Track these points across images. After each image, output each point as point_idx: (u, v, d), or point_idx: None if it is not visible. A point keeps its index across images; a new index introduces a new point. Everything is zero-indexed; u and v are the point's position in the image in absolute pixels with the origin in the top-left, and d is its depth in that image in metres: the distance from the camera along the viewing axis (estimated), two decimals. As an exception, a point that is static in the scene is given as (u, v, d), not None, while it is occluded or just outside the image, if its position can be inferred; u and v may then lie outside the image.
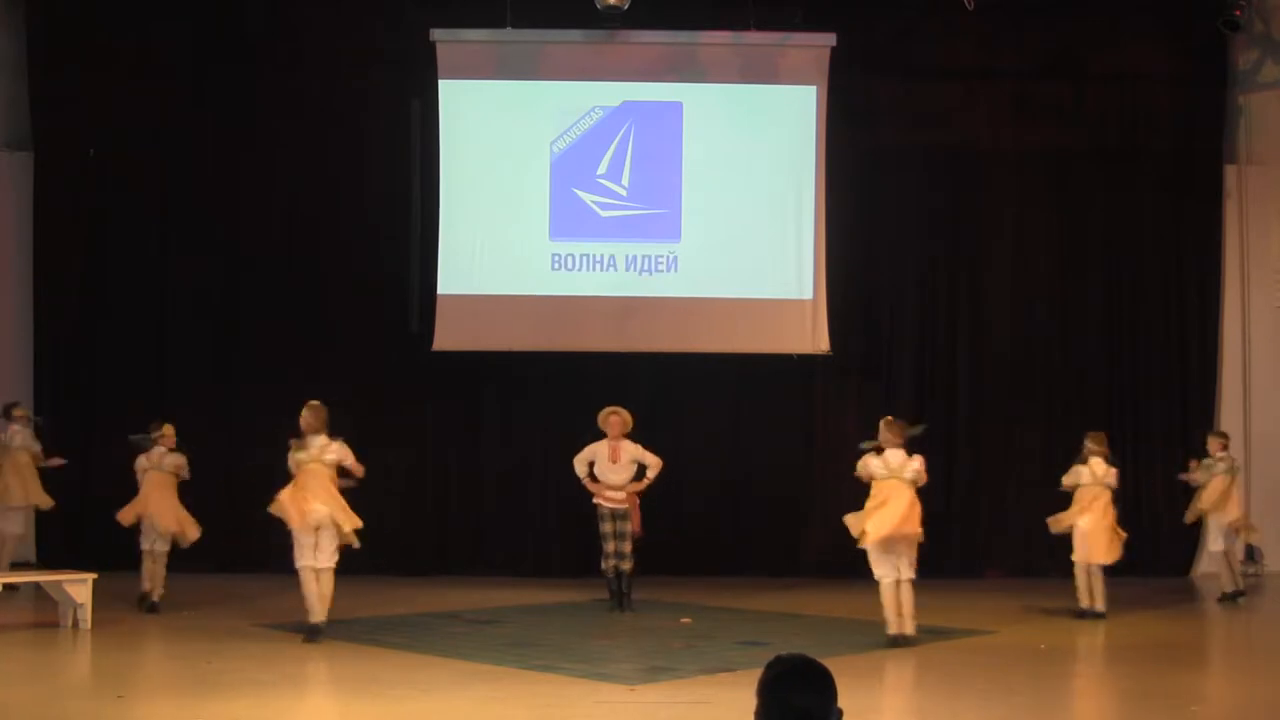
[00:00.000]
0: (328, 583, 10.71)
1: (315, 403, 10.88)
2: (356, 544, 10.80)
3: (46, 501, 13.00)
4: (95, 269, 14.76)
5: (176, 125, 14.72)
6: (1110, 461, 12.15)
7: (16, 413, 12.90)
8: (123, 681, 9.38)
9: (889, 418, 10.88)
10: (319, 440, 10.75)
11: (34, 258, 14.79)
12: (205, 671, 9.33)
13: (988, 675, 9.45)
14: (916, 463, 10.66)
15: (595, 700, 8.55)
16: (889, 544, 10.51)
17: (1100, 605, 11.87)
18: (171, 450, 12.02)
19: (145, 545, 11.86)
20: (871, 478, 10.61)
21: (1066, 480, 12.17)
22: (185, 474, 12.09)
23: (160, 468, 11.92)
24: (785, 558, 14.53)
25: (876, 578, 10.64)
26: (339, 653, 10.21)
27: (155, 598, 11.78)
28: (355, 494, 11.03)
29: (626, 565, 12.26)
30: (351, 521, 10.74)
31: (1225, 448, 13.20)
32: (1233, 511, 13.19)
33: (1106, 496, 12.07)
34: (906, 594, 10.59)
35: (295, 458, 10.74)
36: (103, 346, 14.70)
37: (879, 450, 10.69)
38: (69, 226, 14.78)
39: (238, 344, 14.75)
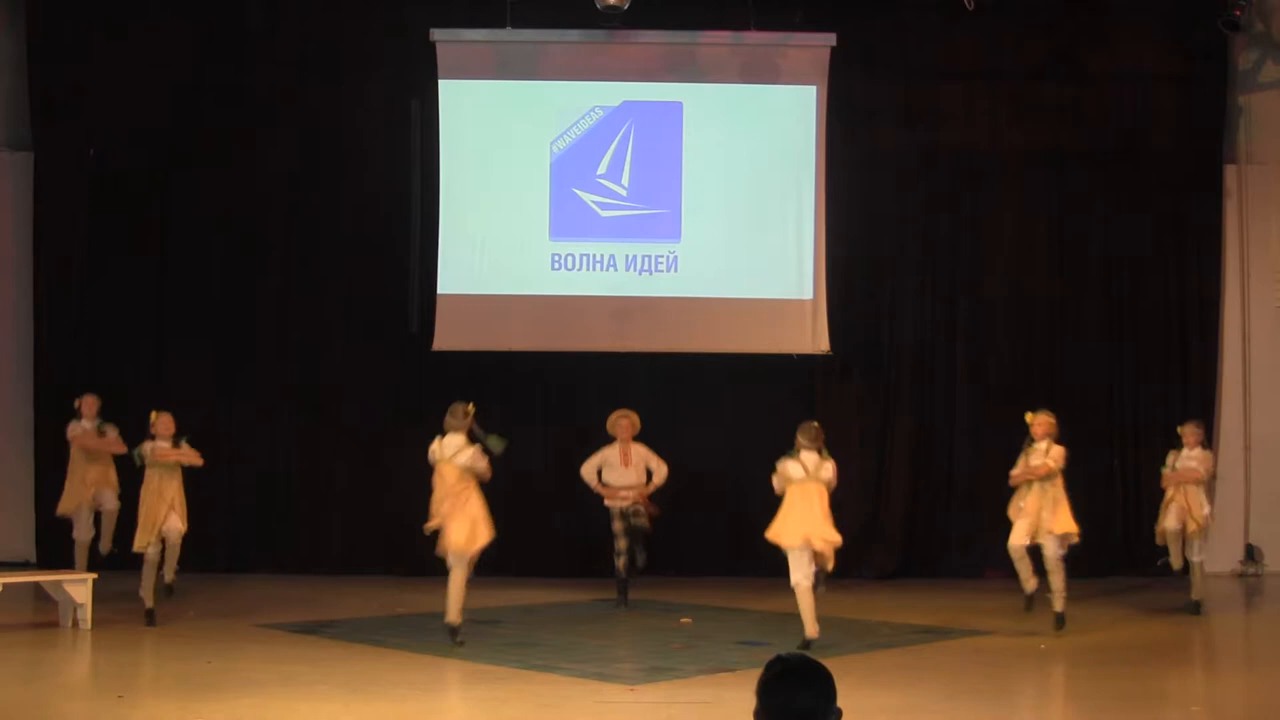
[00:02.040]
0: (454, 583, 10.59)
1: (458, 405, 10.82)
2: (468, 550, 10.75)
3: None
4: (95, 269, 14.76)
5: (176, 125, 14.72)
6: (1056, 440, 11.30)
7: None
8: (123, 681, 9.38)
9: (805, 423, 10.59)
10: (456, 441, 10.69)
11: (34, 258, 14.79)
12: (205, 671, 9.33)
13: (987, 675, 9.45)
14: (830, 466, 10.38)
15: (595, 700, 8.56)
16: (810, 547, 10.28)
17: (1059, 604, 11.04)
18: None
19: None
20: (789, 480, 10.36)
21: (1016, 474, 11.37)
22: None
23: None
24: (785, 558, 14.50)
25: (794, 582, 10.28)
26: (339, 653, 10.21)
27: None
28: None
29: (641, 557, 12.60)
30: (458, 536, 10.65)
31: (1201, 442, 12.32)
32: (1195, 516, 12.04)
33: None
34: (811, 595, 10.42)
35: (432, 453, 10.83)
36: (103, 346, 14.69)
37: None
38: (69, 226, 14.78)
39: (238, 343, 14.74)
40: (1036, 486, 11.19)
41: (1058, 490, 11.15)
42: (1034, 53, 14.96)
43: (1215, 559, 14.48)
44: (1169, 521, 12.12)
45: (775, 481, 10.43)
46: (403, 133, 14.81)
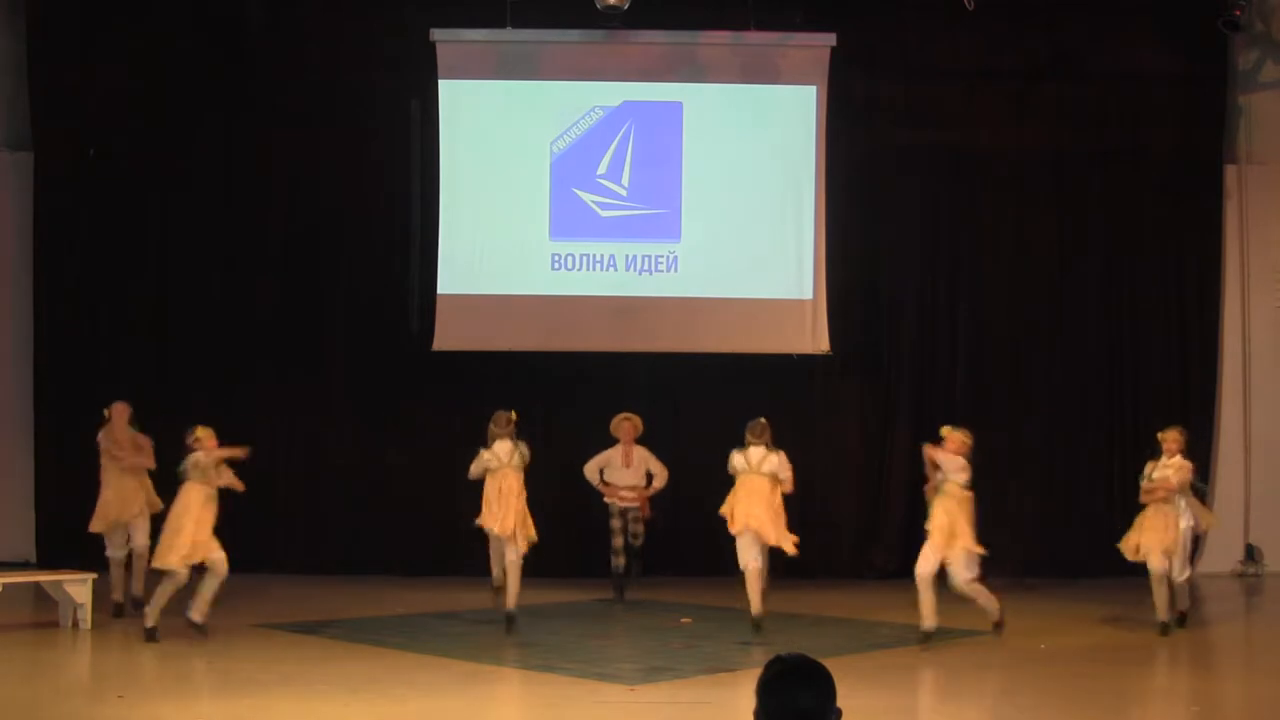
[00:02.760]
0: (512, 575, 11.26)
1: (501, 413, 11.43)
2: (522, 548, 11.39)
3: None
4: (95, 269, 14.77)
5: (176, 125, 14.71)
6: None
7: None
8: (123, 681, 9.38)
9: (752, 421, 11.56)
10: (506, 447, 11.35)
11: (34, 258, 14.79)
12: (205, 671, 9.34)
13: (987, 675, 9.45)
14: (775, 459, 11.35)
15: (595, 700, 8.56)
16: (754, 533, 11.27)
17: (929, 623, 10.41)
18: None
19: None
20: (735, 471, 11.45)
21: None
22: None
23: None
24: (784, 558, 14.50)
25: (741, 565, 11.27)
26: (339, 653, 10.21)
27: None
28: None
29: (638, 541, 12.97)
30: (518, 529, 11.38)
31: (1182, 450, 11.15)
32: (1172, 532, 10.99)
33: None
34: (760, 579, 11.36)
35: (484, 463, 11.40)
36: (103, 347, 14.70)
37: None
38: (69, 226, 14.78)
39: (238, 343, 14.74)
40: (939, 506, 10.55)
41: (959, 509, 10.47)
42: (1034, 53, 14.96)
43: (1215, 559, 14.53)
44: (1152, 565, 10.98)
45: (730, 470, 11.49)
46: (403, 133, 14.81)
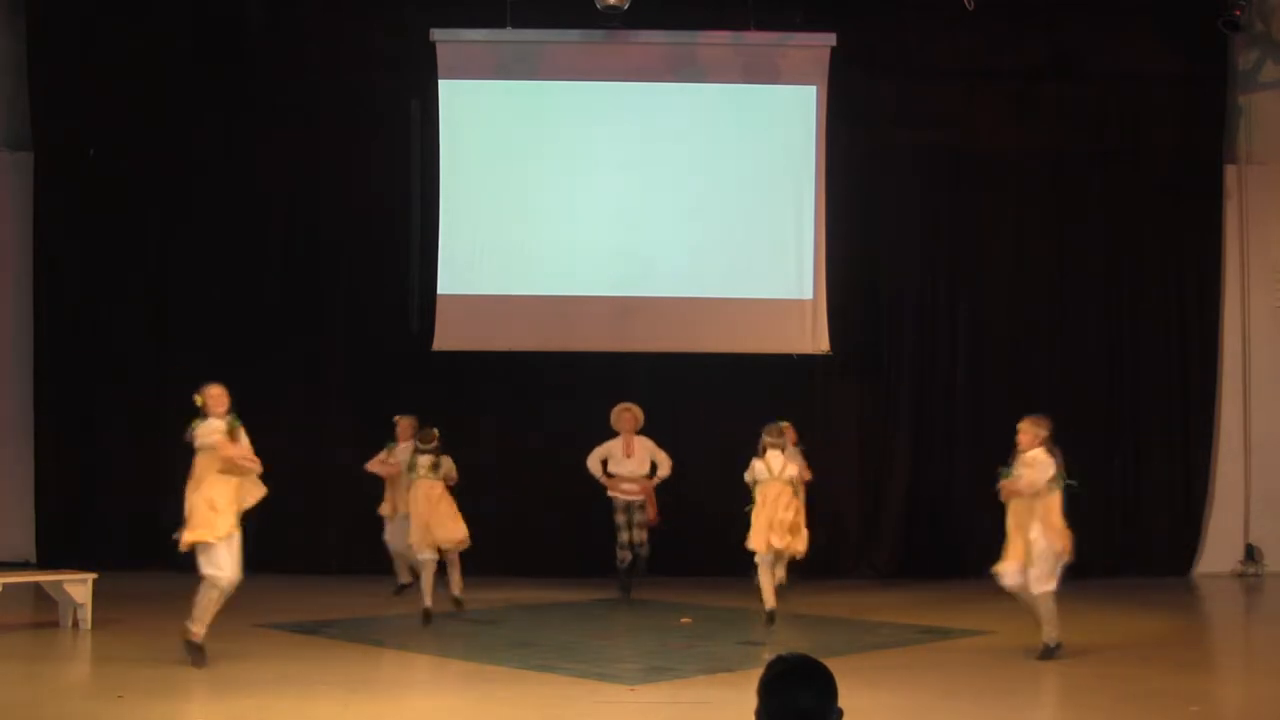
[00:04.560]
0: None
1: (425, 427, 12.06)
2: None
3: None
4: (95, 269, 14.77)
5: (176, 125, 14.73)
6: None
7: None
8: (123, 681, 9.37)
9: (775, 423, 11.52)
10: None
11: (34, 258, 14.80)
12: (205, 671, 9.33)
13: (986, 675, 9.45)
14: (794, 465, 11.37)
15: (595, 700, 8.56)
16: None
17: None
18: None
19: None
20: (755, 481, 11.29)
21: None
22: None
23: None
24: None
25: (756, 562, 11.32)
26: (339, 653, 10.21)
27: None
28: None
29: (644, 551, 12.96)
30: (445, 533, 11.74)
31: (1044, 443, 9.84)
32: (1051, 537, 9.78)
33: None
34: (780, 572, 11.67)
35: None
36: (102, 347, 14.70)
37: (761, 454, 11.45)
38: (69, 226, 14.79)
39: (238, 343, 14.73)
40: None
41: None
42: (1034, 53, 14.97)
43: (1215, 559, 14.55)
44: (1009, 559, 10.01)
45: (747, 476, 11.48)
46: (403, 133, 14.82)
